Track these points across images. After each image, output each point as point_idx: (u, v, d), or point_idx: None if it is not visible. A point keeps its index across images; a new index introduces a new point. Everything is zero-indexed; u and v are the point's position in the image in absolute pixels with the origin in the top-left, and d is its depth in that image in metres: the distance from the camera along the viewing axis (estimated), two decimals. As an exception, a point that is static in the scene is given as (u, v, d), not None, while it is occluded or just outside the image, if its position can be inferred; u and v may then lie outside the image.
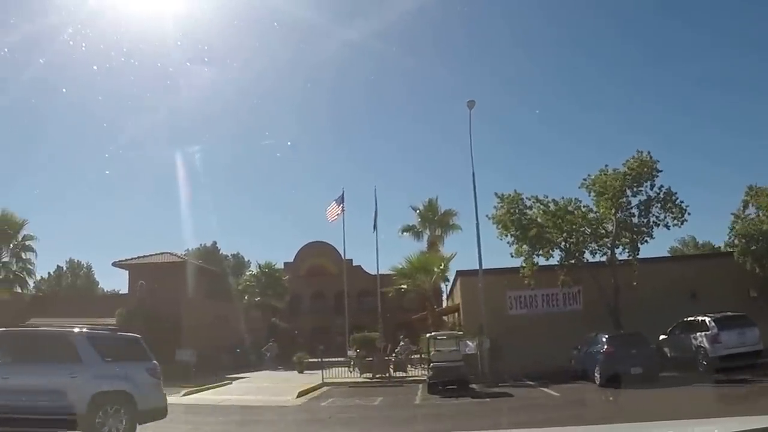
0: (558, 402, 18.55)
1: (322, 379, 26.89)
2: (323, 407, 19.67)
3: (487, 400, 19.60)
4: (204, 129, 69.75)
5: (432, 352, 23.54)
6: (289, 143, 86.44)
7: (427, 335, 26.45)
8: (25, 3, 39.38)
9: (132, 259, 39.35)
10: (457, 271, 32.90)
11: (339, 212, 43.62)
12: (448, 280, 34.52)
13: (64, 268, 73.81)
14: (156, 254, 39.91)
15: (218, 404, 20.44)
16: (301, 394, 22.23)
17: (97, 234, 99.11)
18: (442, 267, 31.62)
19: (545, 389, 20.76)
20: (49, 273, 70.49)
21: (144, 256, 39.70)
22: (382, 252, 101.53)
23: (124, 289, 41.38)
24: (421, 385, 23.97)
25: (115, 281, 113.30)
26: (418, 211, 39.40)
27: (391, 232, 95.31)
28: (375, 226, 44.33)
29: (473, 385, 22.52)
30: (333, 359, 31.23)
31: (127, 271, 39.37)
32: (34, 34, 39.86)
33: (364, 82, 75.19)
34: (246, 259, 70.24)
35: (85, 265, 75.19)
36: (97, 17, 35.47)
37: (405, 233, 39.22)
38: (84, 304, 42.72)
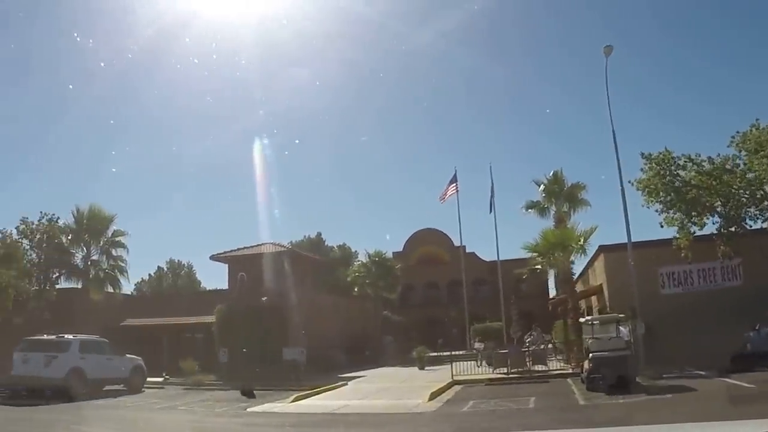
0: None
1: (452, 376, 24.80)
2: (466, 414, 16.64)
3: (669, 396, 16.26)
4: (303, 125, 73.41)
5: (589, 341, 20.25)
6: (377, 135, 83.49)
7: (582, 320, 23.41)
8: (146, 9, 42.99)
9: (231, 251, 37.90)
10: (599, 246, 29.57)
11: (453, 192, 43.50)
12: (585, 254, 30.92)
13: (165, 269, 74.48)
14: (257, 245, 38.16)
15: (335, 412, 18.03)
16: (432, 396, 19.76)
17: (198, 233, 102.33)
18: (581, 242, 28.11)
19: (728, 380, 17.91)
20: (149, 274, 71.47)
21: (244, 248, 38.08)
22: (491, 237, 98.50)
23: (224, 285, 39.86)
24: (570, 381, 21.91)
25: (218, 280, 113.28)
26: (542, 186, 36.04)
27: (504, 215, 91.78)
28: (492, 207, 42.59)
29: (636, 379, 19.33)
30: (455, 353, 29.59)
31: (226, 265, 37.79)
32: (148, 36, 42.23)
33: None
34: (353, 250, 68.61)
35: (186, 265, 76.51)
36: (206, 23, 41.55)
37: (529, 210, 35.94)
38: (183, 302, 41.45)
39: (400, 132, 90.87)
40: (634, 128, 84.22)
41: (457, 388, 22.60)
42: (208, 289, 66.23)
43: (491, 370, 27.04)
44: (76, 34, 57.59)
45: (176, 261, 76.35)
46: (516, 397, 18.60)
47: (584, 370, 20.09)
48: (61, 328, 26.74)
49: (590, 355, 19.67)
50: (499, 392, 20.38)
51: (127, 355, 26.98)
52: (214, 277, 76.45)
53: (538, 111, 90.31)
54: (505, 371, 25.86)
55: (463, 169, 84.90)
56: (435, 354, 32.62)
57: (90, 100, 59.38)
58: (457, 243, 55.29)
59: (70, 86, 75.99)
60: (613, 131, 25.79)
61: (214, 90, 63.75)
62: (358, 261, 51.70)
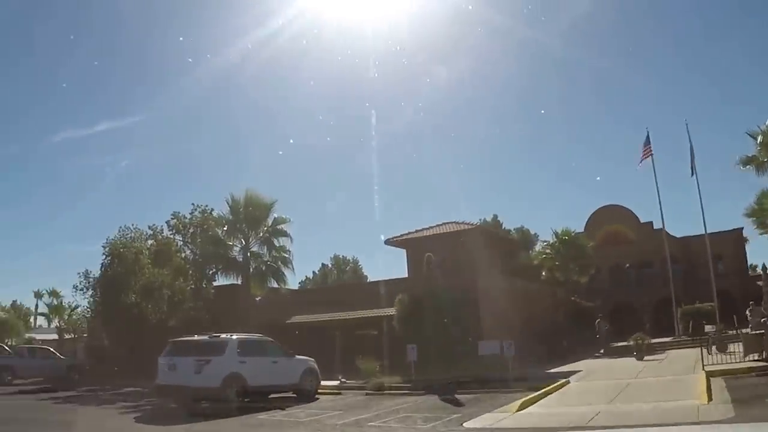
0: None
1: (702, 366, 20.93)
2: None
3: None
4: (450, 120, 75.67)
5: None
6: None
7: None
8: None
9: (410, 233, 34.36)
10: None
11: (648, 154, 41.43)
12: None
13: (330, 265, 72.91)
14: (438, 225, 35.34)
15: (592, 425, 12.90)
16: (708, 396, 15.34)
17: (362, 225, 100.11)
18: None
19: None
20: (313, 272, 70.17)
21: (423, 229, 35.16)
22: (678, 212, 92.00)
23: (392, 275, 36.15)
24: None
25: (386, 272, 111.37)
26: (759, 138, 29.61)
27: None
28: (693, 170, 39.68)
29: None
30: (664, 339, 29.59)
31: (404, 250, 34.76)
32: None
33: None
34: (532, 233, 63.86)
35: (351, 260, 75.93)
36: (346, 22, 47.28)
37: (746, 167, 29.77)
38: (354, 295, 38.16)
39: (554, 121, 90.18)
40: None
41: (719, 381, 18.50)
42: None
43: (732, 356, 22.91)
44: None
45: (341, 256, 75.86)
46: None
47: None
48: (220, 329, 23.50)
49: None
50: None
51: (297, 357, 23.58)
52: (381, 270, 74.62)
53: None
54: (757, 357, 22.06)
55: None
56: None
57: (242, 87, 59.38)
58: (642, 219, 55.34)
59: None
60: None
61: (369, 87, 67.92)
62: (545, 241, 46.68)
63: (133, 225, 37.82)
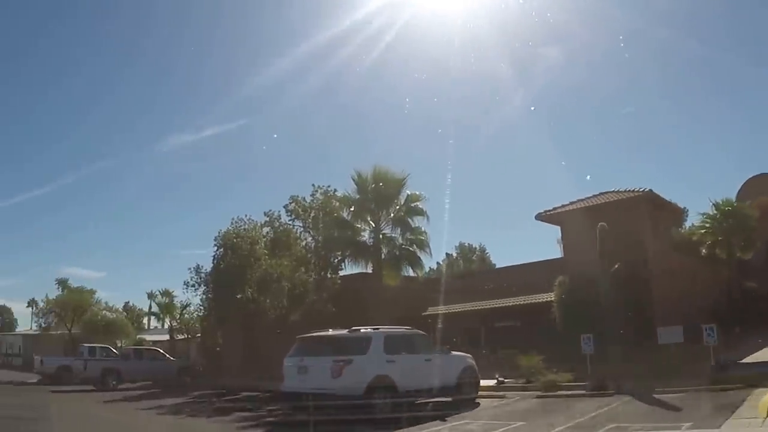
0: None
1: None
2: None
3: None
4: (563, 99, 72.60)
5: None
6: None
7: None
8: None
9: (563, 206, 29.82)
10: None
11: None
12: None
13: (455, 255, 68.91)
14: (592, 196, 30.34)
15: None
16: None
17: (486, 215, 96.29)
18: None
19: None
20: (437, 263, 66.54)
21: (578, 201, 30.39)
22: None
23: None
24: None
25: (516, 259, 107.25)
26: None
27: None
28: None
29: None
30: None
31: (558, 227, 31.14)
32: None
33: None
34: (682, 206, 57.71)
35: (477, 247, 72.87)
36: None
37: None
38: (495, 282, 34.21)
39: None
40: None
41: None
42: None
43: None
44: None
45: (467, 244, 72.87)
46: None
47: None
48: (349, 324, 19.15)
49: None
50: None
51: (454, 353, 19.42)
52: (512, 256, 70.12)
53: None
54: None
55: None
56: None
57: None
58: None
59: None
60: None
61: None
62: (704, 213, 40.40)
63: (246, 216, 35.14)
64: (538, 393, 19.67)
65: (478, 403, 18.49)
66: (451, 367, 18.61)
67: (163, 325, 70.77)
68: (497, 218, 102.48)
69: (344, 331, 17.27)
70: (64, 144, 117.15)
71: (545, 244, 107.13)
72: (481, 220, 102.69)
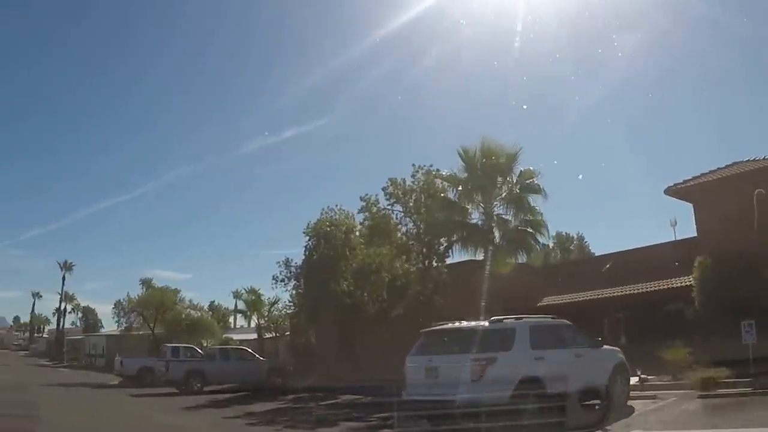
0: None
1: None
2: None
3: None
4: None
5: None
6: None
7: None
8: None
9: (697, 178, 25.92)
10: None
11: None
12: None
13: (551, 245, 65.41)
14: (725, 167, 26.06)
15: None
16: None
17: (587, 202, 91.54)
18: None
19: None
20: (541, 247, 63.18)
21: (710, 172, 26.02)
22: None
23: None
24: None
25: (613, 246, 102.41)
26: None
27: None
28: None
29: None
30: None
31: (690, 204, 26.47)
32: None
33: None
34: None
35: (575, 236, 69.34)
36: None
37: None
38: (615, 268, 29.96)
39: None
40: None
41: None
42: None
43: None
44: None
45: (564, 234, 68.57)
46: None
47: None
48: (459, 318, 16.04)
49: None
50: None
51: (605, 346, 16.21)
52: (609, 246, 65.89)
53: None
54: None
55: None
56: None
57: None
58: None
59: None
60: None
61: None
62: None
63: (336, 206, 32.58)
64: (698, 393, 16.36)
65: (632, 407, 15.11)
66: (603, 363, 15.11)
67: (249, 324, 69.26)
68: (596, 204, 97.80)
69: (482, 323, 13.90)
70: (144, 151, 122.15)
71: (651, 229, 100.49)
72: (578, 206, 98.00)
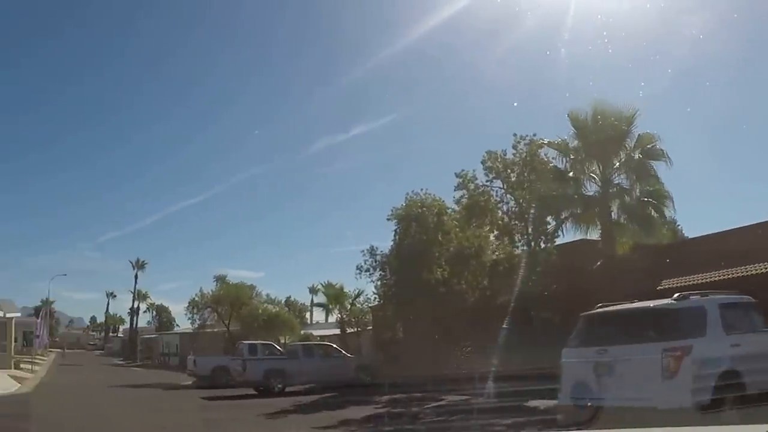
0: None
1: None
2: None
3: None
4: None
5: None
6: None
7: None
8: None
9: None
10: None
11: None
12: None
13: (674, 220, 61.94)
14: None
15: None
16: None
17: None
18: None
19: None
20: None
21: None
22: None
23: None
24: None
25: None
26: None
27: None
28: None
29: None
30: None
31: None
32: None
33: None
34: None
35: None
36: None
37: None
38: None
39: None
40: None
41: None
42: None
43: None
44: None
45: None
46: None
47: None
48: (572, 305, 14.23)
49: None
50: None
51: None
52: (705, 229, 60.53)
53: None
54: None
55: None
56: None
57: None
58: None
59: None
60: None
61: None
62: None
63: (422, 190, 29.61)
64: None
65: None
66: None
67: (326, 319, 66.89)
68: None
69: (667, 301, 10.65)
70: (214, 152, 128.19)
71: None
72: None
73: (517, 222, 26.75)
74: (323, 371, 26.52)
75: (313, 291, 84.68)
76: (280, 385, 25.89)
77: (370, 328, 41.47)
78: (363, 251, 30.53)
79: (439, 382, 21.67)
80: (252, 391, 26.00)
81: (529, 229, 26.31)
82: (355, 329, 43.99)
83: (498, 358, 19.31)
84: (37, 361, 44.92)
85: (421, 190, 29.68)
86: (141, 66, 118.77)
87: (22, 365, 39.12)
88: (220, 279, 49.21)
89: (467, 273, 26.29)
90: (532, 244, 26.14)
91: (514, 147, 26.46)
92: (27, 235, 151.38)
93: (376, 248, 30.40)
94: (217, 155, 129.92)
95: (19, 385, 28.53)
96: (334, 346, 31.29)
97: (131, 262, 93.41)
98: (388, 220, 29.56)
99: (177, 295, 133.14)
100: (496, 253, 27.18)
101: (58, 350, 73.02)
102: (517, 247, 26.63)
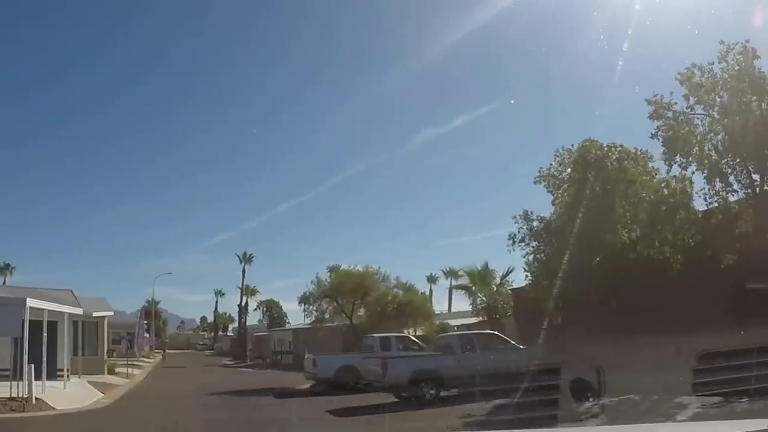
0: None
1: None
2: None
3: None
4: None
5: None
6: None
7: None
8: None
9: None
10: None
11: None
12: None
13: None
14: None
15: None
16: None
17: None
18: None
19: None
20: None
21: None
22: None
23: None
24: None
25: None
26: None
27: None
28: None
29: None
30: None
31: None
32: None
33: None
34: None
35: None
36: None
37: None
38: None
39: None
40: None
41: None
42: None
43: None
44: None
45: None
46: None
47: None
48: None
49: None
50: None
51: None
52: None
53: None
54: None
55: None
56: None
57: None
58: None
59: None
60: None
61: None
62: None
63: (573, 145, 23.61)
64: None
65: None
66: None
67: (449, 309, 62.15)
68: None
69: None
70: (322, 153, 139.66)
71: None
72: None
73: (728, 159, 20.51)
74: (491, 370, 19.21)
75: (431, 280, 79.97)
76: (432, 391, 20.24)
77: (509, 314, 36.15)
78: (515, 217, 24.40)
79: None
80: (391, 398, 20.34)
81: (749, 167, 20.07)
82: (494, 316, 37.62)
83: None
84: (138, 364, 42.57)
85: (572, 145, 23.66)
86: (250, 75, 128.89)
87: (117, 369, 36.14)
88: (334, 270, 44.02)
89: (669, 231, 20.18)
90: (754, 188, 19.90)
91: (721, 60, 20.20)
92: (144, 243, 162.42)
93: (531, 212, 24.29)
94: (324, 155, 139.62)
95: (101, 395, 24.74)
96: (498, 334, 24.74)
97: (238, 256, 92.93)
98: (535, 182, 24.03)
99: (287, 293, 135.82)
100: (708, 201, 20.71)
101: (167, 351, 71.33)
102: (735, 192, 20.31)
